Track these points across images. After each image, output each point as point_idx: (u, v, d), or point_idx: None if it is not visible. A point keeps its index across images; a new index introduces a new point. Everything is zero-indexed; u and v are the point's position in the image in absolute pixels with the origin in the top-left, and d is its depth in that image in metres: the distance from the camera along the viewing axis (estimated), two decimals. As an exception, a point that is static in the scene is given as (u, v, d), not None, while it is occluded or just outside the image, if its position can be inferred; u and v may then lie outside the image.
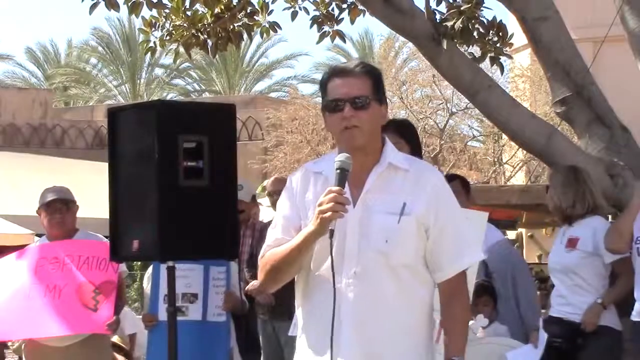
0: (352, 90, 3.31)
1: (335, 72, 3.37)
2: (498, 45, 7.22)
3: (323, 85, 3.37)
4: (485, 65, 7.45)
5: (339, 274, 3.28)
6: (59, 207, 6.21)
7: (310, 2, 7.87)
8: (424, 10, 7.01)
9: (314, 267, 3.36)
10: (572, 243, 5.90)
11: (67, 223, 6.24)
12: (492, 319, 6.58)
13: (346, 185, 3.28)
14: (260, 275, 3.43)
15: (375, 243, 3.28)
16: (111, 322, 6.09)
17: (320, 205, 3.20)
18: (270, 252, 3.39)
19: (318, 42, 7.97)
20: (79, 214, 6.43)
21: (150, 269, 6.52)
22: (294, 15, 7.85)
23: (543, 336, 5.89)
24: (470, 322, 6.25)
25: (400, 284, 3.30)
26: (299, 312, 3.45)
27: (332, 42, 8.14)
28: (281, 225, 3.43)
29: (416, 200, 3.30)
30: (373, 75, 3.37)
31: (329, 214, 3.17)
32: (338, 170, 3.25)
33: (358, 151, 3.33)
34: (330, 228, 3.19)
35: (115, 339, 10.62)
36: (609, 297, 5.83)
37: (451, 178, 7.07)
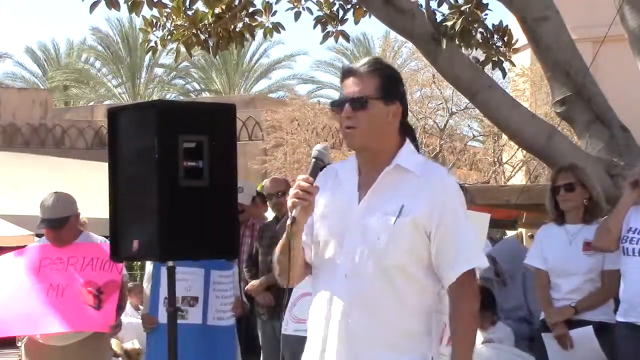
0: (352, 91, 3.32)
1: (343, 72, 3.40)
2: (502, 49, 7.22)
3: (341, 84, 3.42)
4: (486, 66, 7.46)
5: (335, 271, 3.31)
6: (52, 229, 6.15)
7: (313, 2, 7.86)
8: (424, 10, 7.01)
9: (316, 259, 3.40)
10: (591, 246, 5.78)
11: (65, 237, 6.15)
12: (493, 322, 6.62)
13: (356, 184, 3.33)
14: (275, 268, 3.48)
15: (370, 242, 3.28)
16: (114, 325, 6.08)
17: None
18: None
19: (322, 43, 7.96)
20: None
21: (149, 269, 6.51)
22: (297, 15, 7.84)
23: (585, 331, 5.78)
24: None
25: (391, 286, 3.28)
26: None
27: (336, 42, 8.12)
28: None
29: (418, 203, 3.28)
30: (381, 74, 3.34)
31: (292, 200, 3.25)
32: (313, 160, 3.31)
33: (362, 151, 3.35)
34: (292, 215, 3.24)
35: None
36: (583, 303, 5.80)
37: None
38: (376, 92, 3.30)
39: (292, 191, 3.26)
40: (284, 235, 3.33)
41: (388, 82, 3.34)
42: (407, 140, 3.40)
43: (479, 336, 6.54)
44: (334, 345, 3.29)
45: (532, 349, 6.40)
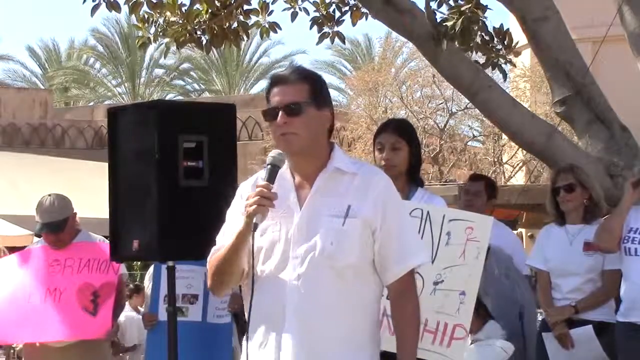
0: (285, 98, 3.35)
1: (273, 81, 3.42)
2: (502, 52, 7.22)
3: (267, 95, 3.43)
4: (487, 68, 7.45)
5: (283, 276, 3.32)
6: (53, 232, 6.13)
7: (310, 2, 7.86)
8: (424, 11, 7.02)
9: (259, 266, 3.38)
10: (592, 247, 5.78)
11: (64, 239, 6.13)
12: (485, 321, 6.60)
13: (293, 189, 3.36)
14: (209, 280, 3.50)
15: (321, 246, 3.31)
16: (111, 331, 6.06)
17: (247, 199, 3.27)
18: (214, 255, 3.46)
19: (318, 43, 7.97)
20: (79, 214, 6.39)
21: (151, 269, 6.52)
22: (293, 15, 7.84)
23: (586, 331, 5.78)
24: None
25: (344, 285, 3.34)
26: (247, 313, 3.45)
27: (332, 43, 8.13)
28: (229, 232, 3.46)
29: (363, 203, 3.34)
30: (310, 80, 3.40)
31: (253, 207, 3.24)
32: (269, 166, 3.32)
33: (298, 156, 3.38)
34: (254, 222, 3.24)
35: None
36: (584, 303, 5.81)
37: (477, 178, 7.05)
38: (308, 98, 3.36)
39: (252, 198, 3.25)
40: (234, 245, 3.32)
41: (317, 89, 3.40)
42: (335, 144, 3.47)
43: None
44: (289, 346, 3.29)
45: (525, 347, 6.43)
